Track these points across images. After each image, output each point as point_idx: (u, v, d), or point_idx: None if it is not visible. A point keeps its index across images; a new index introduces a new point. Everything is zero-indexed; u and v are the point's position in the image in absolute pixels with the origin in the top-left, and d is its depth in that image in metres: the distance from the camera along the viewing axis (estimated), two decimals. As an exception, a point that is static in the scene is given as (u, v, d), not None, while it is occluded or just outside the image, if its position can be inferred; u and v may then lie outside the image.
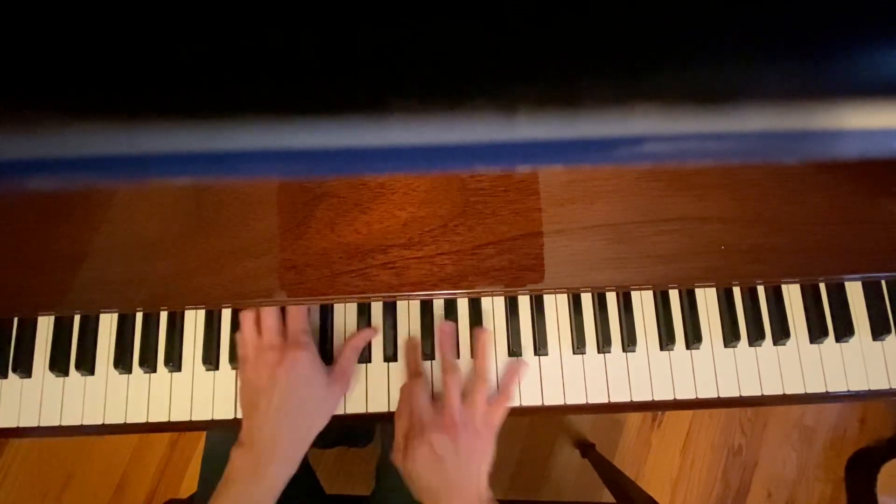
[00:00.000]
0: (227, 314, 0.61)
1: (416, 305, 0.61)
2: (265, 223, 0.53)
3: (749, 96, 0.11)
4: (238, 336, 0.56)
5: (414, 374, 0.58)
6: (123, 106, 0.10)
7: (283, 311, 0.57)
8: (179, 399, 0.59)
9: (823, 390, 0.59)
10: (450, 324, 0.59)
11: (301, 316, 0.56)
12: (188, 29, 0.10)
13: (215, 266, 0.52)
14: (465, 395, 0.56)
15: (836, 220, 0.52)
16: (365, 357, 0.60)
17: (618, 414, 1.28)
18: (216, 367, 0.60)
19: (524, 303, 0.61)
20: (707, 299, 0.61)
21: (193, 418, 0.59)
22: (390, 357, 0.60)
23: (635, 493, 0.84)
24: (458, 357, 0.59)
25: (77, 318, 0.61)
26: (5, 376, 0.60)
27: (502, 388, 0.58)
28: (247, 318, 0.56)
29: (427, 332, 0.60)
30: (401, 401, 0.57)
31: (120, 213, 0.53)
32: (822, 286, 0.61)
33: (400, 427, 0.56)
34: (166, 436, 1.26)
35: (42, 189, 0.11)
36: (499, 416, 0.56)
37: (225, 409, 0.59)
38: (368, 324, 0.60)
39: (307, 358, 0.53)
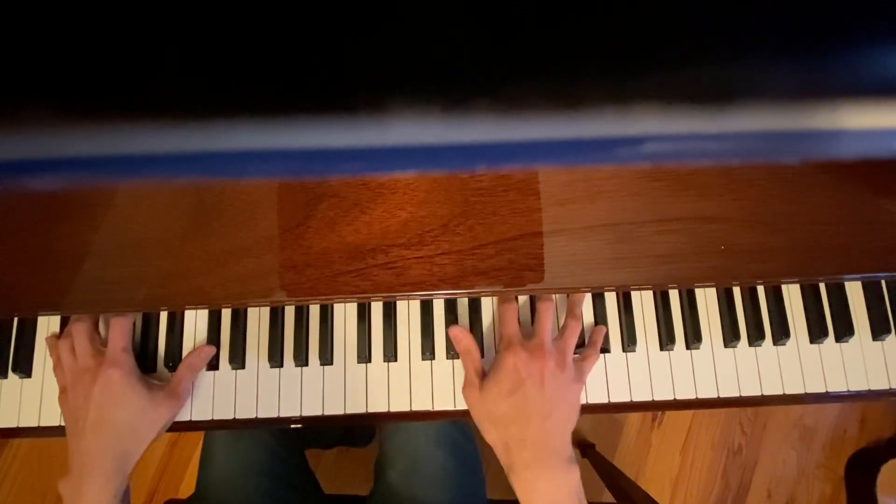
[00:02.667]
0: (227, 314, 0.61)
1: (416, 305, 0.61)
2: (265, 223, 0.53)
3: (749, 96, 0.11)
4: (53, 368, 0.55)
5: (506, 299, 0.56)
6: (123, 106, 0.10)
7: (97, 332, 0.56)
8: (179, 399, 0.59)
9: (823, 390, 0.59)
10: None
11: (121, 334, 0.54)
12: (188, 29, 0.10)
13: (215, 266, 0.52)
14: (558, 332, 0.54)
15: (836, 220, 0.52)
16: (365, 357, 0.60)
17: (618, 414, 1.28)
18: (216, 367, 0.60)
19: (524, 302, 0.61)
20: (707, 299, 0.61)
21: (193, 418, 0.59)
22: (390, 357, 0.60)
23: (635, 493, 0.84)
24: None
25: (77, 318, 0.61)
26: (5, 376, 0.60)
27: (592, 341, 0.57)
28: (62, 346, 0.54)
29: (427, 331, 0.60)
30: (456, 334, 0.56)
31: (120, 213, 0.53)
32: (822, 286, 0.61)
33: (469, 361, 0.54)
34: (166, 436, 1.25)
35: (42, 189, 0.11)
36: (588, 369, 0.54)
37: (225, 408, 0.59)
38: (368, 324, 0.60)
39: (122, 374, 0.52)
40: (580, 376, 0.54)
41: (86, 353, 0.53)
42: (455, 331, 0.57)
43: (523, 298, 0.60)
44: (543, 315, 0.54)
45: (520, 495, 0.49)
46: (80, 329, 0.54)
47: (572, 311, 0.57)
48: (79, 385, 0.52)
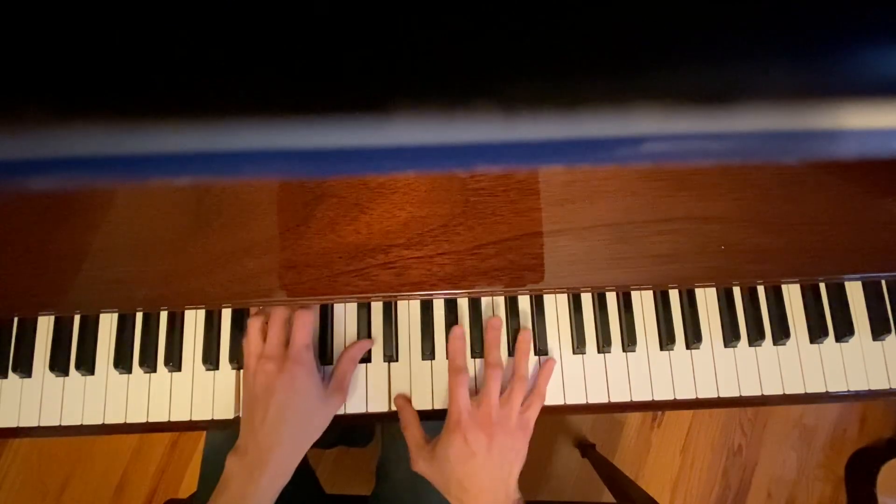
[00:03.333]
0: (227, 314, 0.61)
1: (416, 305, 0.61)
2: (265, 223, 0.53)
3: (749, 96, 0.11)
4: (244, 341, 0.56)
5: (458, 369, 0.57)
6: (123, 106, 0.10)
7: (290, 320, 0.57)
8: (179, 399, 0.59)
9: (823, 390, 0.59)
10: (498, 318, 0.60)
11: (306, 331, 0.56)
12: (188, 29, 0.10)
13: (215, 266, 0.52)
14: (503, 393, 0.56)
15: (836, 220, 0.52)
16: (365, 357, 0.60)
17: (618, 414, 1.28)
18: (216, 367, 0.60)
19: (524, 303, 0.61)
20: (707, 299, 0.61)
21: (193, 418, 0.59)
22: (391, 357, 0.60)
23: (635, 493, 0.84)
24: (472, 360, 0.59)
25: (77, 318, 0.61)
26: (5, 376, 0.60)
27: (536, 388, 0.58)
28: (253, 325, 0.56)
29: (427, 331, 0.60)
30: (403, 410, 0.58)
31: (120, 213, 0.53)
32: (822, 286, 0.61)
33: (410, 436, 0.57)
34: (166, 436, 1.26)
35: (42, 189, 0.11)
36: (533, 417, 0.56)
37: (225, 409, 0.59)
38: (368, 324, 0.60)
39: (305, 373, 0.53)
40: (526, 427, 0.56)
41: (274, 342, 0.54)
42: (399, 400, 0.59)
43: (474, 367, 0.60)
44: (489, 383, 0.56)
45: None
46: (276, 316, 0.55)
47: (517, 372, 0.58)
48: (261, 373, 0.53)
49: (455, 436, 0.53)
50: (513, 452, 0.54)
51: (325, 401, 0.55)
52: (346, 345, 0.60)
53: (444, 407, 0.59)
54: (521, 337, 0.59)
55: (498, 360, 0.58)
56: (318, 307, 0.59)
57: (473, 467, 0.52)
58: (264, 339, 0.55)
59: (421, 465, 0.56)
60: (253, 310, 0.59)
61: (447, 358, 0.59)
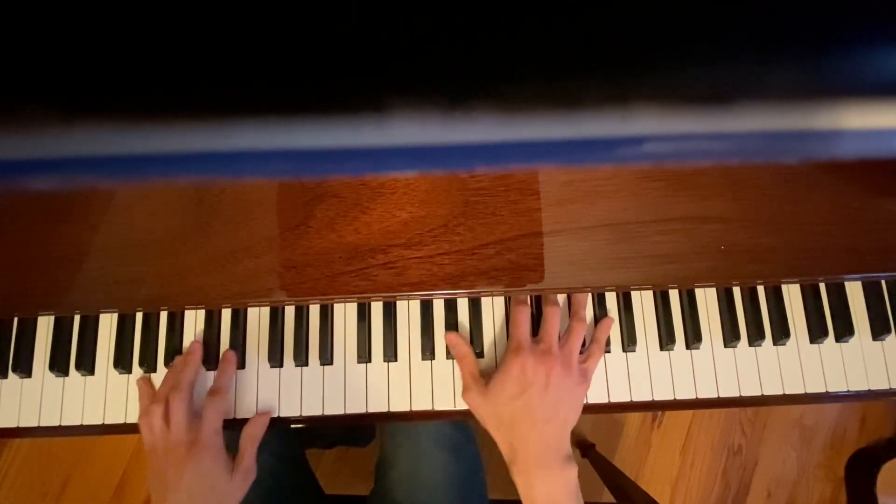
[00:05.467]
0: (227, 314, 0.61)
1: (416, 305, 0.61)
2: (265, 223, 0.53)
3: (749, 96, 0.11)
4: (143, 424, 0.55)
5: (520, 300, 0.56)
6: (123, 106, 0.10)
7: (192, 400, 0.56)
8: (179, 399, 0.59)
9: (823, 390, 0.59)
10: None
11: (217, 416, 0.55)
12: (188, 29, 0.10)
13: (215, 266, 0.52)
14: (563, 335, 0.55)
15: (836, 220, 0.52)
16: (365, 357, 0.60)
17: (618, 414, 1.28)
18: (216, 368, 0.60)
19: (524, 303, 0.61)
20: (707, 299, 0.61)
21: (193, 418, 0.59)
22: (390, 357, 0.60)
23: (635, 493, 0.84)
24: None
25: (77, 318, 0.61)
26: (5, 376, 0.60)
27: (595, 339, 0.58)
28: (156, 412, 0.54)
29: (427, 331, 0.60)
30: (457, 344, 0.57)
31: (120, 213, 0.53)
32: (822, 286, 0.61)
33: (465, 366, 0.55)
34: (166, 436, 1.25)
35: (42, 189, 0.11)
36: (593, 367, 0.56)
37: (225, 409, 0.59)
38: (368, 324, 0.60)
39: (211, 457, 0.53)
40: (584, 377, 0.55)
41: (181, 428, 0.53)
42: (451, 336, 0.58)
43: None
44: (549, 319, 0.55)
45: (521, 491, 0.51)
46: (177, 402, 0.54)
47: (576, 314, 0.57)
48: (171, 456, 0.53)
49: (514, 362, 0.51)
50: (570, 396, 0.52)
51: (232, 484, 0.54)
52: (346, 346, 0.60)
53: (448, 408, 0.59)
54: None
55: (556, 301, 0.57)
56: (230, 396, 0.59)
57: (528, 401, 0.50)
58: (168, 425, 0.54)
59: (473, 396, 0.54)
60: (143, 400, 0.58)
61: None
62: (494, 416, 0.52)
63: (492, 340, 0.60)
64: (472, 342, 0.59)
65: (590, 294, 0.59)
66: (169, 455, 0.53)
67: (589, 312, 0.60)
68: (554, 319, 0.55)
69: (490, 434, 0.54)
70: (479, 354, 0.59)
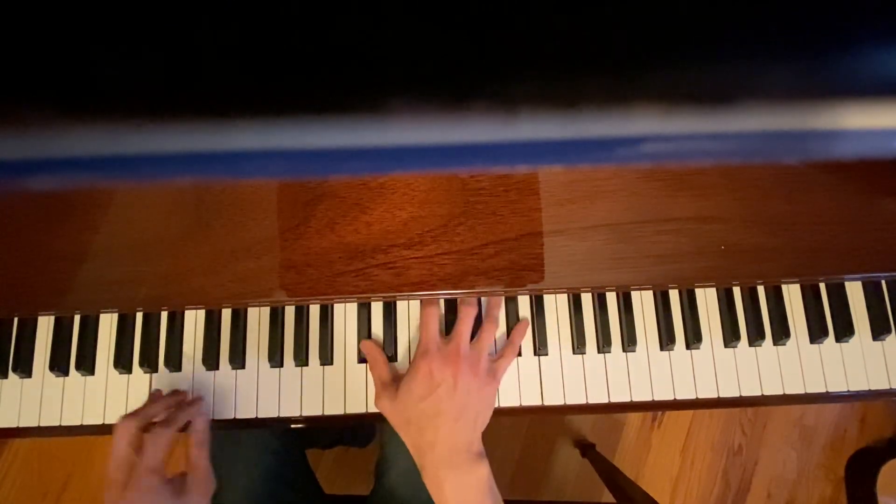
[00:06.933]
0: (227, 314, 0.61)
1: (416, 305, 0.61)
2: (265, 223, 0.53)
3: (749, 96, 0.11)
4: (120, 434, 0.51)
5: (430, 302, 0.57)
6: (123, 106, 0.10)
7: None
8: (179, 399, 0.59)
9: (823, 390, 0.59)
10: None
11: (156, 452, 0.51)
12: (187, 29, 0.10)
13: (215, 266, 0.52)
14: (475, 335, 0.56)
15: (836, 220, 0.52)
16: (364, 358, 0.60)
17: (618, 414, 1.28)
18: (216, 367, 0.60)
19: (524, 302, 0.61)
20: (707, 299, 0.61)
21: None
22: (391, 357, 0.60)
23: (635, 493, 0.84)
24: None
25: (77, 318, 0.61)
26: (5, 376, 0.60)
27: (510, 340, 0.58)
28: (113, 443, 0.51)
29: (427, 332, 0.60)
30: (370, 350, 0.57)
31: (120, 213, 0.53)
32: (822, 286, 0.61)
33: (378, 375, 0.55)
34: (166, 436, 1.25)
35: (42, 189, 0.11)
36: (503, 367, 0.56)
37: (225, 409, 0.59)
38: (368, 324, 0.60)
39: (147, 491, 0.49)
40: (493, 377, 0.55)
41: (119, 465, 0.50)
42: (365, 343, 0.59)
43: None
44: (462, 319, 0.55)
45: (431, 493, 0.51)
46: (120, 435, 0.51)
47: (489, 314, 0.58)
48: (113, 489, 0.50)
49: (421, 365, 0.52)
50: (478, 397, 0.52)
51: (183, 500, 0.51)
52: (346, 346, 0.60)
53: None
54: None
55: (472, 302, 0.57)
56: (171, 430, 0.53)
57: (435, 402, 0.50)
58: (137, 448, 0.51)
59: (384, 403, 0.54)
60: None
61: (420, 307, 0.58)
62: (403, 419, 0.52)
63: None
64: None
65: (503, 303, 0.59)
66: (111, 489, 0.49)
67: (588, 314, 0.60)
68: (467, 319, 0.55)
69: (402, 437, 0.53)
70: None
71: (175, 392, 0.58)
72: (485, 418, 0.53)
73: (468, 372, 0.52)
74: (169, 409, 0.55)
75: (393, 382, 0.56)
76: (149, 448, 0.51)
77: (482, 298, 0.60)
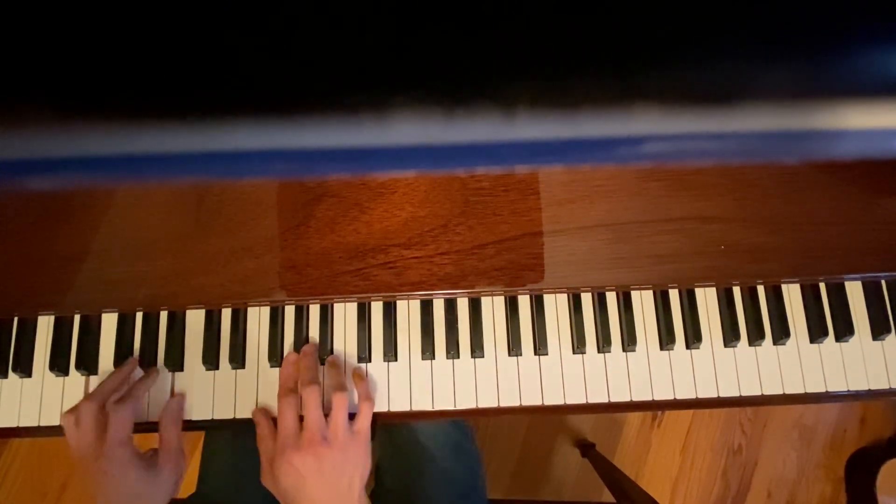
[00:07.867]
0: (227, 314, 0.61)
1: (416, 305, 0.61)
2: (265, 223, 0.53)
3: (749, 96, 0.11)
4: (69, 421, 0.54)
5: (287, 391, 0.56)
6: (123, 106, 0.10)
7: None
8: (179, 399, 0.59)
9: (823, 390, 0.59)
10: (312, 344, 0.59)
11: (121, 425, 0.53)
12: (187, 29, 0.10)
13: (215, 266, 0.52)
14: (327, 410, 0.55)
15: (836, 220, 0.52)
16: (365, 357, 0.60)
17: (618, 414, 1.28)
18: (216, 367, 0.60)
19: (524, 302, 0.61)
20: (707, 299, 0.61)
21: (193, 418, 0.59)
22: (390, 357, 0.60)
23: (635, 493, 0.84)
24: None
25: (77, 318, 0.61)
26: (5, 376, 0.60)
27: (359, 396, 0.57)
28: (69, 419, 0.54)
29: (427, 331, 0.60)
30: (259, 424, 0.57)
31: (120, 213, 0.53)
32: (822, 286, 0.61)
33: (264, 450, 0.55)
34: (166, 436, 1.26)
35: (42, 189, 0.11)
36: (365, 423, 0.55)
37: (225, 408, 0.59)
38: (368, 324, 0.60)
39: (118, 465, 0.52)
40: (357, 435, 0.55)
41: (85, 437, 0.53)
42: (256, 413, 0.58)
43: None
44: (308, 405, 0.54)
45: None
46: (85, 409, 0.53)
47: (336, 387, 0.56)
48: (82, 464, 0.52)
49: (282, 463, 0.52)
50: (349, 465, 0.53)
51: (159, 477, 0.54)
52: (345, 346, 0.60)
53: (448, 408, 0.59)
54: (304, 350, 0.58)
55: (313, 379, 0.56)
56: (137, 403, 0.56)
57: (308, 490, 0.51)
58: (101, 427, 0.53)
59: (268, 482, 0.55)
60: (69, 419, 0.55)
61: (280, 381, 0.58)
62: (286, 500, 0.53)
63: (492, 340, 0.60)
64: (471, 342, 0.60)
65: (343, 365, 0.59)
66: (79, 464, 0.52)
67: (588, 314, 0.60)
68: (313, 404, 0.54)
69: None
70: (480, 354, 0.59)
71: (127, 362, 0.58)
72: (363, 474, 0.54)
73: (331, 453, 0.52)
74: (124, 383, 0.56)
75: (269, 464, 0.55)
76: (113, 423, 0.53)
77: (324, 369, 0.59)
